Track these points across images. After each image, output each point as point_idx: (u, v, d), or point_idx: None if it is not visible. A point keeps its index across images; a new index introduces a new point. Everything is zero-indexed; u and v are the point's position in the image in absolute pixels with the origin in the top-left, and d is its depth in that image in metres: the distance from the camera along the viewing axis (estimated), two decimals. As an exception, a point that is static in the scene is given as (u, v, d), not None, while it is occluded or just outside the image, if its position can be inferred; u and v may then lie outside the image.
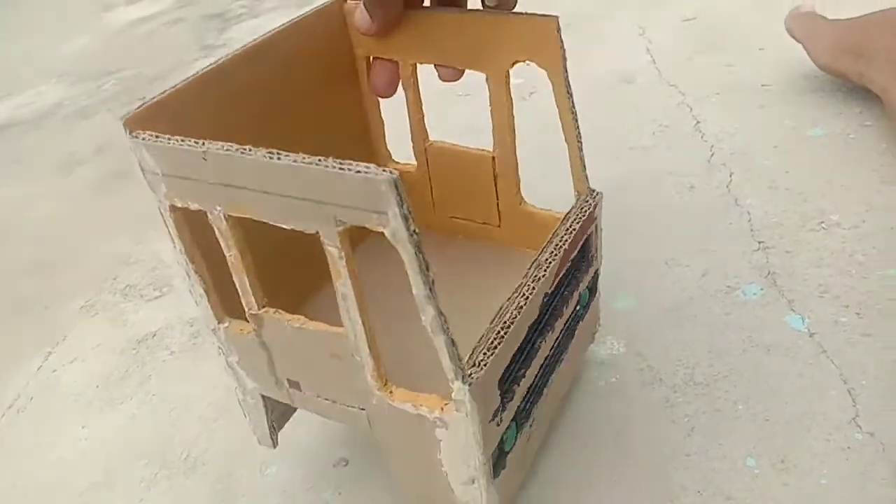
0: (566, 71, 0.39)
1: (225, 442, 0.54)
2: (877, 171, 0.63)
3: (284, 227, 0.31)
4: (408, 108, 0.49)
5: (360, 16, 0.41)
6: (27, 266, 0.87)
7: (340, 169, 0.27)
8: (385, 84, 0.44)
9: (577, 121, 0.41)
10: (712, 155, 0.70)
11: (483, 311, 0.37)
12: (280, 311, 0.36)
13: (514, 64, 0.42)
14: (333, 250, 0.30)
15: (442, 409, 0.34)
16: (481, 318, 0.36)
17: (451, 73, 0.44)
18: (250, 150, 0.29)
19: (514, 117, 0.45)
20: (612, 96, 0.85)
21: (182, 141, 0.31)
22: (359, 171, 0.26)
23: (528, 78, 0.89)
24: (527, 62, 0.41)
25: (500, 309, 0.36)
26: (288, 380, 0.40)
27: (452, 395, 0.32)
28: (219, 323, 0.40)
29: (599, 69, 0.91)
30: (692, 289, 0.56)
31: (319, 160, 0.27)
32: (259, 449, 0.50)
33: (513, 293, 0.37)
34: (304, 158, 0.28)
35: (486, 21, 0.41)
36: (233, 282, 0.36)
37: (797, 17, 0.79)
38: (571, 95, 0.40)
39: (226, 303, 0.39)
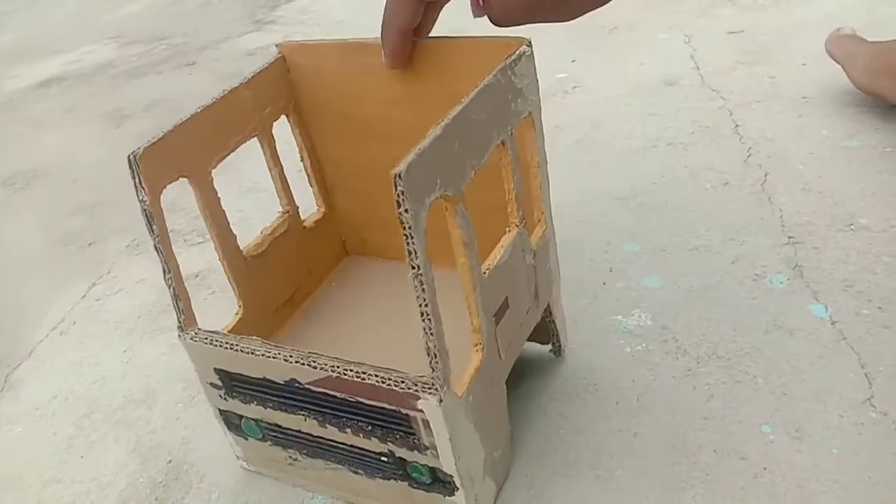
0: None
1: (262, 372, 0.56)
2: (909, 183, 0.64)
3: None
4: None
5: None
6: (77, 205, 0.90)
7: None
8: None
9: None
10: (749, 156, 0.72)
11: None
12: None
13: None
14: None
15: None
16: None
17: None
18: None
19: None
20: (652, 97, 0.87)
21: None
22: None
23: (570, 73, 0.92)
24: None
25: None
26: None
27: None
28: None
29: (642, 72, 0.94)
30: (720, 273, 0.58)
31: None
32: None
33: None
34: None
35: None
36: None
37: (837, 38, 0.80)
38: None
39: None
